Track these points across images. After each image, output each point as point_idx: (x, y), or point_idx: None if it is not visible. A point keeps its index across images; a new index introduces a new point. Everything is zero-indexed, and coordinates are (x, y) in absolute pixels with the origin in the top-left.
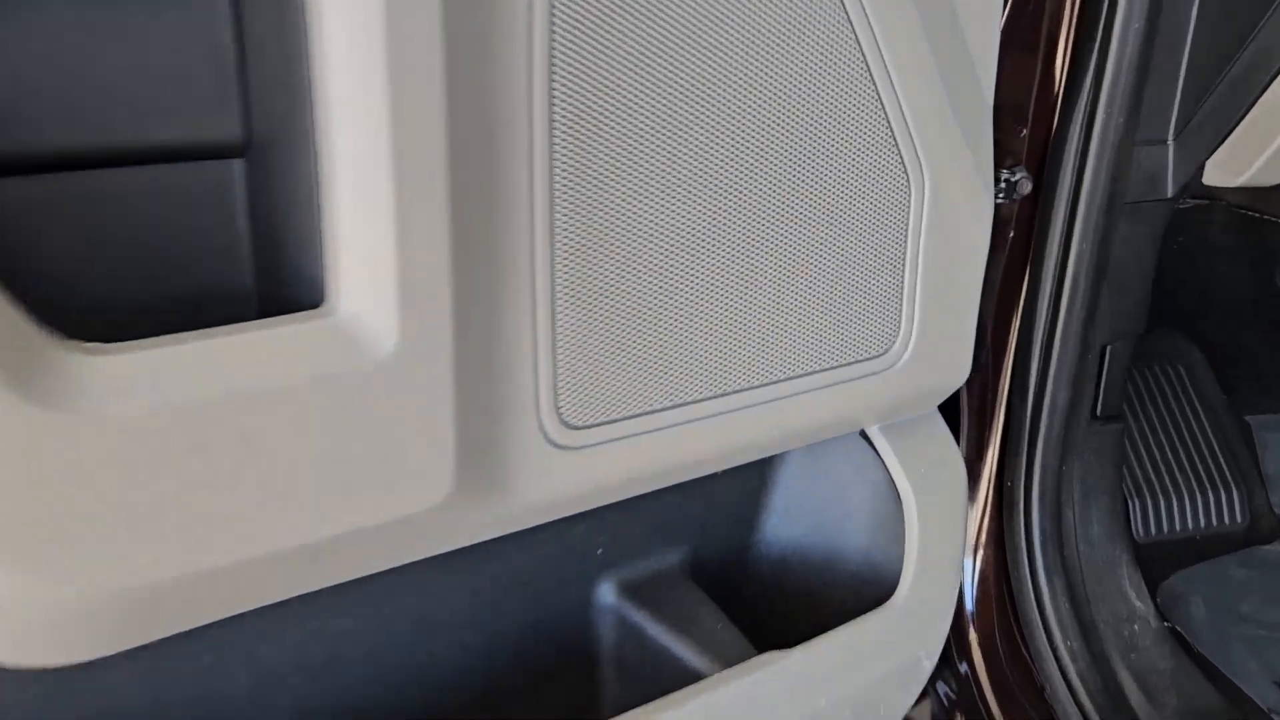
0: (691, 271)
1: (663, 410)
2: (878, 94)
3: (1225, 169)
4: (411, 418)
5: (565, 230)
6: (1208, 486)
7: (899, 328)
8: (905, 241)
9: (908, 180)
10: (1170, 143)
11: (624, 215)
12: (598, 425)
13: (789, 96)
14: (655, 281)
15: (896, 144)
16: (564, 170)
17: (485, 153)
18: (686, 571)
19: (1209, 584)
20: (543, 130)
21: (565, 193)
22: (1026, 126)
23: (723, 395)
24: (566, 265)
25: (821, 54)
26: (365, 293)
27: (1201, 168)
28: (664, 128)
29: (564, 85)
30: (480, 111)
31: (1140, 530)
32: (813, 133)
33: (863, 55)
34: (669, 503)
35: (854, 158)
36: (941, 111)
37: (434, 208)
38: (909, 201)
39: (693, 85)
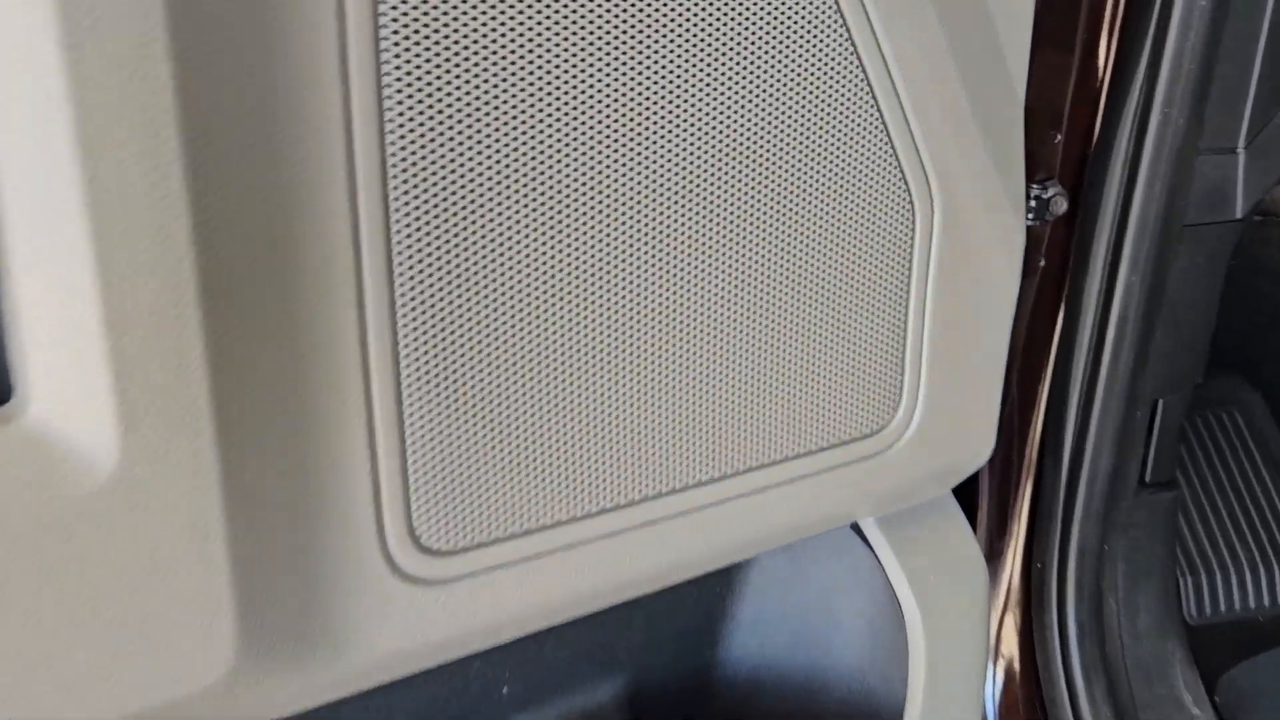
0: (610, 330)
1: (572, 522)
2: (870, 86)
3: None
4: (156, 566)
5: (412, 271)
6: (1271, 557)
7: (899, 398)
8: (908, 282)
9: (911, 201)
10: (1241, 151)
11: (508, 247)
12: (473, 549)
13: (740, 91)
14: (556, 346)
15: (895, 152)
16: (407, 179)
17: (263, 145)
18: (623, 707)
19: (1278, 678)
20: (369, 122)
21: (412, 213)
22: (1061, 131)
23: (660, 497)
24: (417, 325)
25: (787, 34)
26: (63, 385)
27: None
28: (560, 115)
29: (402, 62)
30: (254, 75)
31: (1193, 611)
32: (774, 137)
33: (849, 34)
34: (600, 620)
35: (834, 171)
36: (957, 111)
37: (166, 239)
38: (913, 229)
39: (592, 66)
